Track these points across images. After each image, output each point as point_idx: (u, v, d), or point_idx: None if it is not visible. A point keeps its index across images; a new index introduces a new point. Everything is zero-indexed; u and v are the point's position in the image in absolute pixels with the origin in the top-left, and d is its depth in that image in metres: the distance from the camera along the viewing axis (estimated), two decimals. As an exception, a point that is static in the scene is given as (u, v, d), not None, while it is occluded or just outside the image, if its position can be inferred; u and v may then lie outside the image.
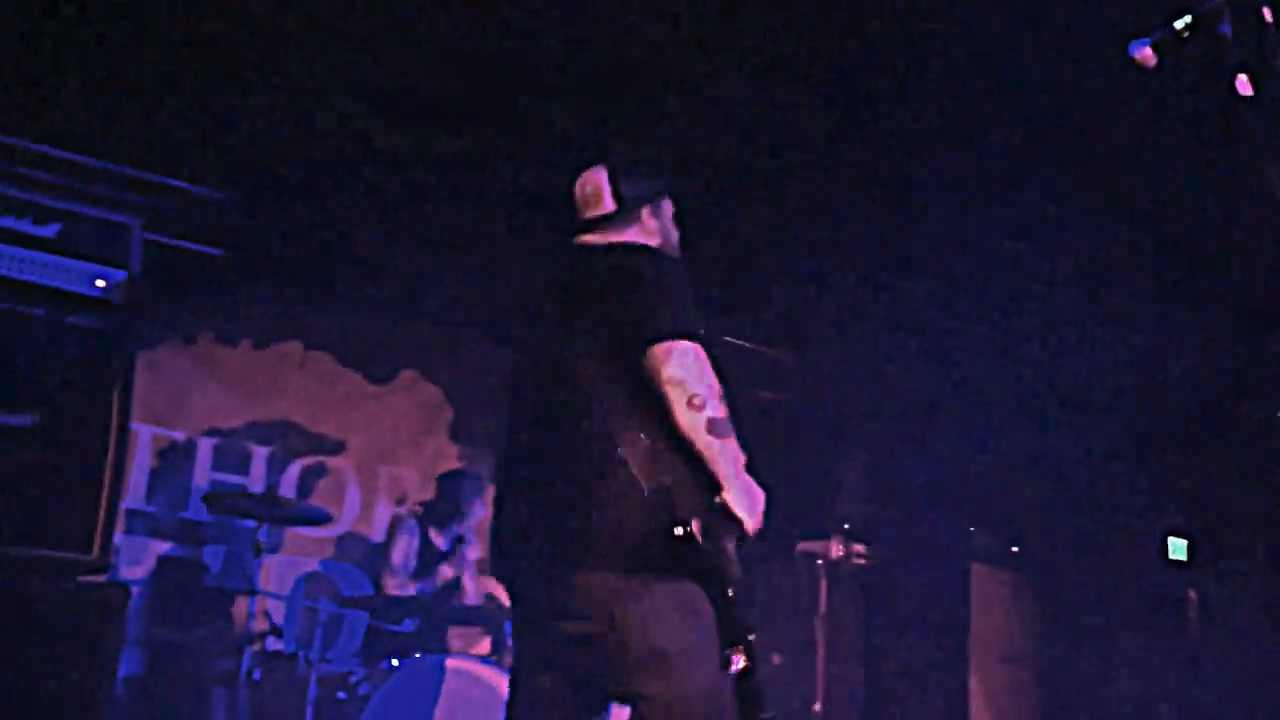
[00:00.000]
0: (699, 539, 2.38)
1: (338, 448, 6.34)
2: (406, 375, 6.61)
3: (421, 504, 6.05)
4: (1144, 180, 4.69)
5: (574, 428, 2.56)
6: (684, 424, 2.46)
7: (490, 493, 6.25)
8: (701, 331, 2.53)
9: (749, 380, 6.96)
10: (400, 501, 6.41)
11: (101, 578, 3.25)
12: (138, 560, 5.69)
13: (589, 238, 2.86)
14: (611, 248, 2.79)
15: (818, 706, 5.61)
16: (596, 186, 2.87)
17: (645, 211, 2.88)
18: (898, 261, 5.64)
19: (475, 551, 5.78)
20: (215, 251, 5.68)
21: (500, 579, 2.81)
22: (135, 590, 5.27)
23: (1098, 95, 4.11)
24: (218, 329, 6.03)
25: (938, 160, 4.77)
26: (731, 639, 2.38)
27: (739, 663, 2.36)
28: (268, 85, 4.63)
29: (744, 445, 2.53)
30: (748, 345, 6.86)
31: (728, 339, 6.78)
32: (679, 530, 2.35)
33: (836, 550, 5.80)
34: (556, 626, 2.54)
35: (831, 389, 6.81)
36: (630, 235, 2.84)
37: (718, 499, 2.47)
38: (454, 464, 6.52)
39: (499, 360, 6.77)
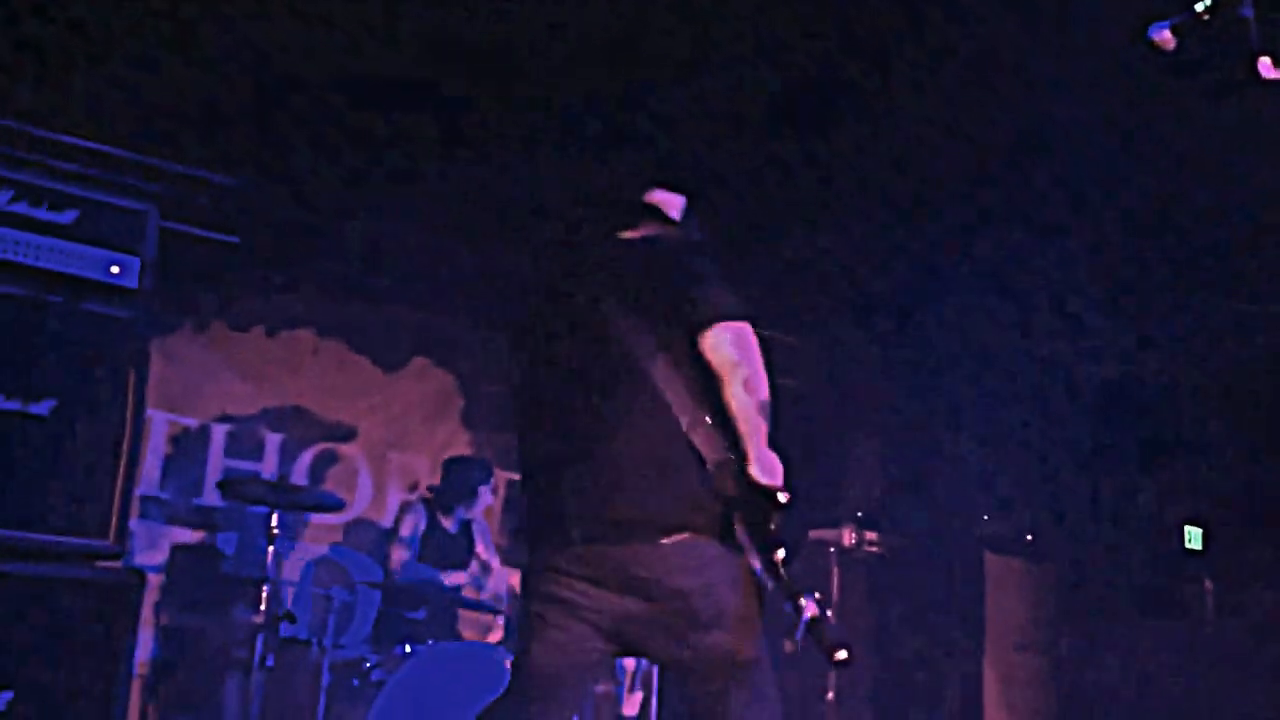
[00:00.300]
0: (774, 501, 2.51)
1: (349, 434, 6.36)
2: (418, 362, 6.62)
3: (431, 489, 6.06)
4: (1160, 170, 4.66)
5: (635, 403, 2.65)
6: (736, 402, 2.58)
7: (501, 479, 6.33)
8: (749, 315, 2.67)
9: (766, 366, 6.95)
10: (412, 488, 6.43)
11: (117, 564, 3.26)
12: (153, 546, 5.72)
13: (633, 234, 2.91)
14: (664, 236, 2.88)
15: (830, 695, 5.61)
16: (669, 202, 3.00)
17: (698, 238, 3.00)
18: (912, 249, 5.62)
19: (486, 537, 5.79)
20: (229, 239, 5.68)
21: (530, 536, 2.85)
22: (150, 576, 5.29)
23: (1115, 85, 4.08)
24: (230, 316, 6.05)
25: (955, 147, 4.75)
26: (796, 589, 2.44)
27: (811, 609, 2.41)
28: (283, 75, 4.63)
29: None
30: (761, 332, 6.84)
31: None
32: (781, 495, 2.49)
33: (848, 538, 5.79)
34: (601, 594, 2.64)
35: (845, 377, 6.80)
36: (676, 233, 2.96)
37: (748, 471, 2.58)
38: (465, 450, 6.54)
39: (509, 348, 6.83)
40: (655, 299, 2.69)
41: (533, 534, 2.82)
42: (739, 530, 2.53)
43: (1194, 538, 5.17)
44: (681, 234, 2.94)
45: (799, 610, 2.40)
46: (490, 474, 5.71)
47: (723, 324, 2.61)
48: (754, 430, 2.59)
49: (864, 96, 4.43)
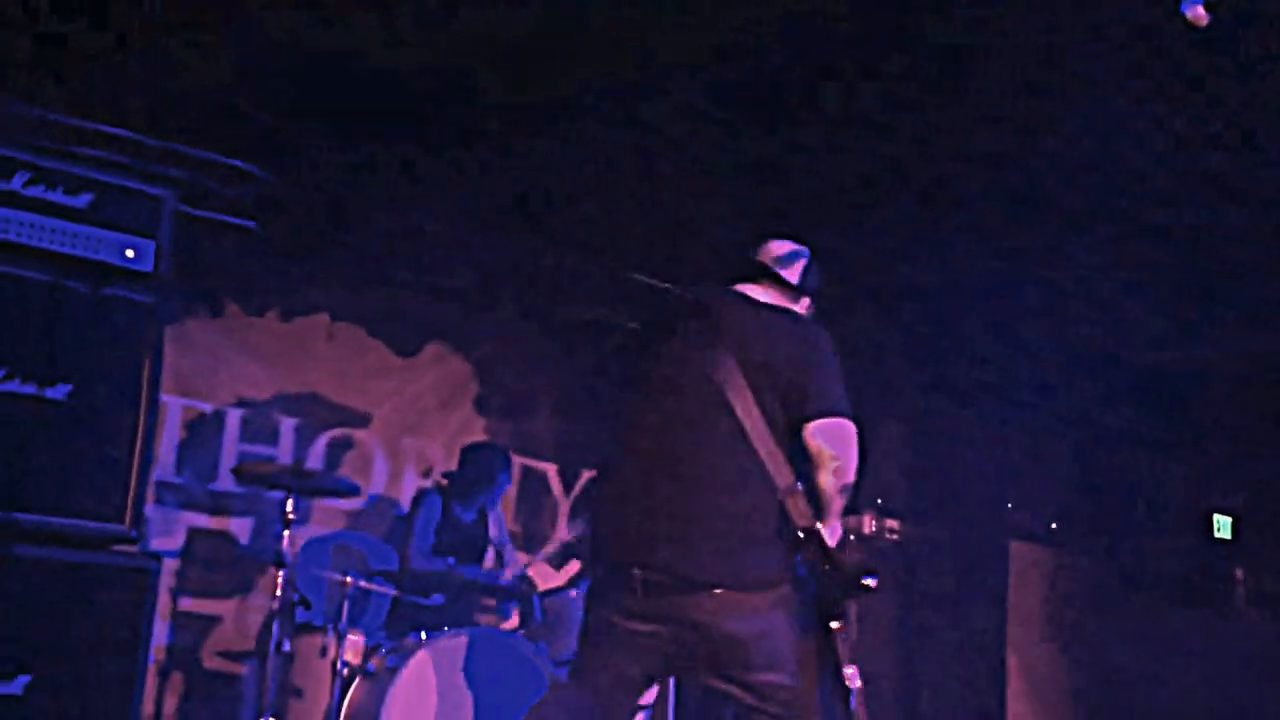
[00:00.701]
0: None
1: (364, 420, 6.35)
2: (433, 348, 6.61)
3: (446, 475, 6.05)
4: (1195, 151, 4.60)
5: (733, 464, 2.95)
6: (825, 482, 2.95)
7: (517, 465, 6.32)
8: (851, 410, 3.03)
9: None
10: (426, 474, 6.42)
11: (133, 548, 3.25)
12: (168, 532, 5.71)
13: (752, 290, 3.26)
14: (792, 313, 3.23)
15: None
16: (794, 256, 3.35)
17: (808, 301, 3.36)
18: (938, 236, 5.58)
19: (501, 525, 5.77)
20: (245, 223, 5.67)
21: (594, 566, 3.13)
22: (166, 562, 5.28)
23: (1148, 63, 4.01)
24: (245, 301, 6.04)
25: (982, 131, 4.70)
26: (845, 659, 2.80)
27: (856, 680, 2.77)
28: (300, 62, 4.61)
29: None
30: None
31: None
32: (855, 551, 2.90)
33: (869, 526, 5.75)
34: (656, 629, 2.93)
35: (867, 363, 6.76)
36: (797, 305, 3.31)
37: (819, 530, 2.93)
38: (480, 437, 6.52)
39: (525, 334, 6.84)
40: (774, 376, 2.99)
41: (603, 559, 3.08)
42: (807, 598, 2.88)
43: (1223, 526, 5.12)
44: (807, 315, 3.27)
45: (844, 680, 2.77)
46: (508, 462, 5.69)
47: (833, 419, 2.97)
48: (833, 505, 2.97)
49: (887, 81, 4.38)
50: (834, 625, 2.84)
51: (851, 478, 2.99)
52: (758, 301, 3.22)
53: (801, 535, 2.87)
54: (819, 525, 2.91)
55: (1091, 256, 5.35)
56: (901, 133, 4.77)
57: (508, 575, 5.63)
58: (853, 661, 2.82)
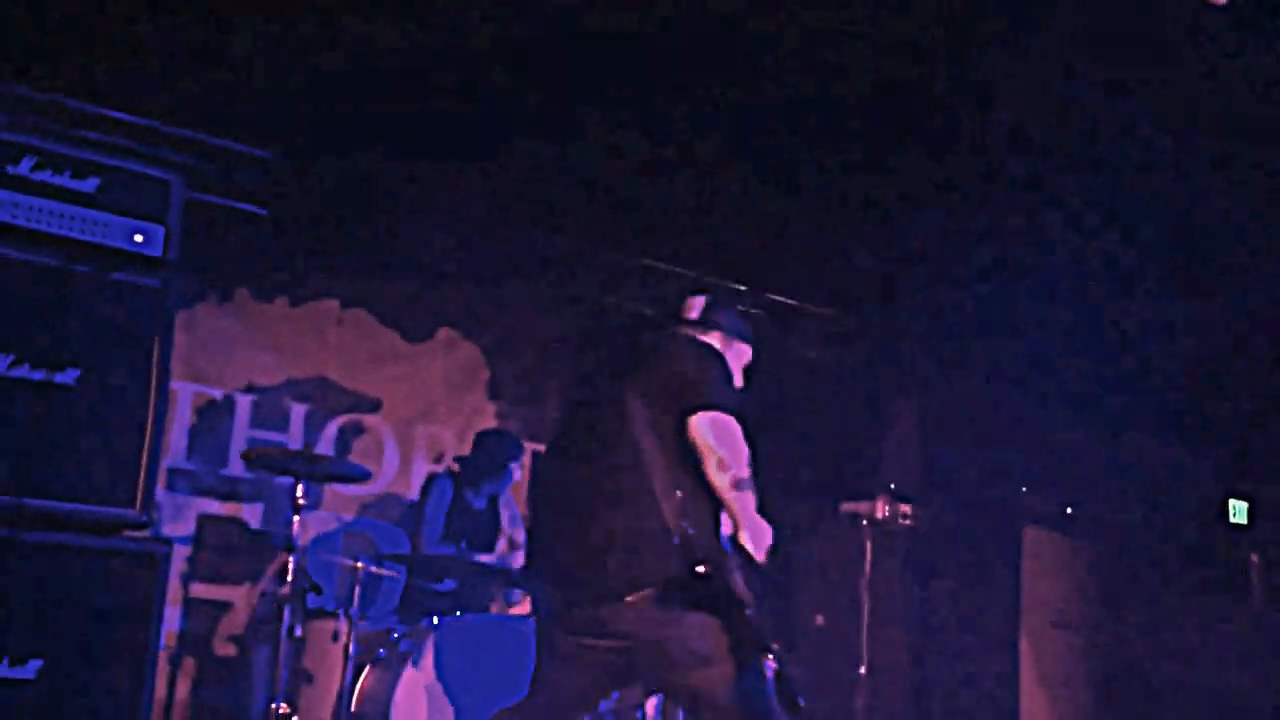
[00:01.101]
0: (714, 576, 2.92)
1: (375, 406, 6.35)
2: (444, 334, 6.60)
3: (458, 460, 6.04)
4: (1218, 130, 4.55)
5: (619, 476, 3.07)
6: (713, 481, 3.01)
7: (528, 452, 6.30)
8: (735, 408, 3.10)
9: (796, 339, 6.91)
10: (437, 460, 6.41)
11: (144, 534, 3.24)
12: (179, 518, 5.72)
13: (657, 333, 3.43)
14: (677, 333, 3.38)
15: (863, 670, 5.57)
16: (693, 306, 3.49)
17: (718, 335, 3.44)
18: (950, 221, 5.55)
19: (513, 511, 5.77)
20: (254, 209, 5.66)
21: (531, 593, 3.36)
22: (177, 548, 5.29)
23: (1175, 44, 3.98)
24: (255, 287, 6.03)
25: (994, 116, 4.67)
26: (760, 648, 2.90)
27: (771, 666, 2.85)
28: (309, 44, 4.58)
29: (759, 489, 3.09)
30: (795, 304, 6.79)
31: (776, 298, 6.72)
32: (700, 569, 2.89)
33: (882, 511, 5.72)
34: (594, 643, 3.05)
35: (881, 348, 6.73)
36: (699, 335, 3.41)
37: (738, 536, 3.03)
38: (491, 423, 6.51)
39: (536, 320, 6.82)
40: (662, 386, 3.12)
41: (533, 588, 3.31)
42: (709, 594, 2.93)
43: (1239, 511, 5.09)
44: (692, 331, 3.39)
45: (761, 670, 2.88)
46: (521, 450, 5.67)
47: (705, 413, 3.03)
48: (738, 504, 3.03)
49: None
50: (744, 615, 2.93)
51: (744, 472, 3.04)
52: (658, 329, 3.46)
53: (677, 535, 2.96)
54: (740, 538, 3.01)
55: (1105, 241, 5.31)
56: (915, 122, 4.75)
57: (519, 561, 5.63)
58: (768, 649, 2.89)
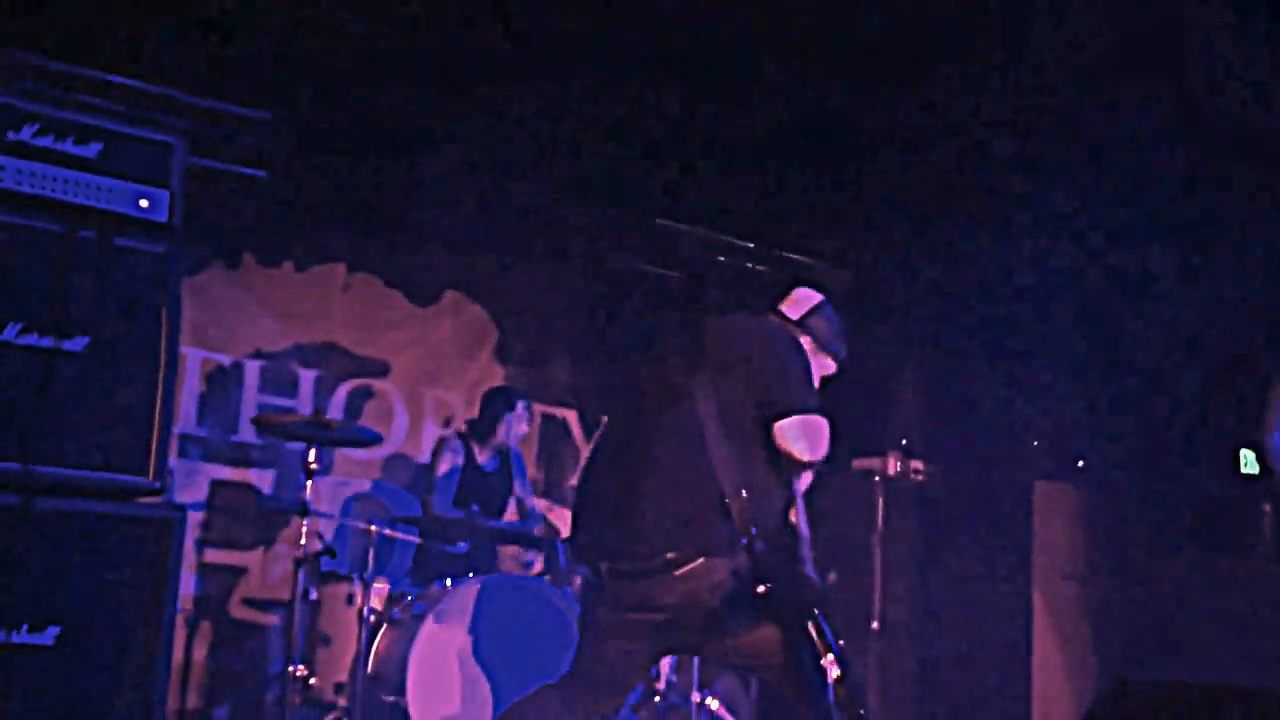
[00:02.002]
0: (773, 593, 2.90)
1: (383, 370, 6.35)
2: (450, 297, 6.59)
3: (466, 422, 6.05)
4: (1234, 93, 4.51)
5: (679, 460, 3.05)
6: (801, 480, 3.09)
7: (537, 412, 6.30)
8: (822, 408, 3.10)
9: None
10: (447, 423, 6.42)
11: (157, 500, 3.25)
12: (191, 484, 5.74)
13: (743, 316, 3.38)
14: (760, 319, 3.31)
15: (875, 625, 5.59)
16: (801, 301, 3.39)
17: (809, 341, 3.33)
18: (961, 177, 5.52)
19: (522, 473, 5.77)
20: (256, 173, 5.63)
21: (587, 564, 3.25)
22: (190, 514, 5.31)
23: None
24: (259, 252, 6.02)
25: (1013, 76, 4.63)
26: (824, 648, 2.86)
27: (834, 670, 2.81)
28: (308, 5, 4.54)
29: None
30: (803, 259, 6.76)
31: (786, 254, 6.69)
32: (760, 589, 2.87)
33: (893, 466, 5.73)
34: (641, 617, 3.05)
35: (891, 302, 6.71)
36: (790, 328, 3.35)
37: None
38: (498, 384, 6.51)
39: (544, 281, 6.80)
40: (744, 380, 3.08)
41: (579, 560, 3.26)
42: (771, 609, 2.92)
43: (1250, 461, 5.06)
44: (779, 323, 3.31)
45: (824, 673, 2.85)
46: (518, 400, 5.61)
47: (798, 417, 3.03)
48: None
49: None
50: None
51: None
52: (733, 313, 3.37)
53: (744, 543, 2.93)
54: (757, 531, 2.98)
55: (1118, 192, 5.27)
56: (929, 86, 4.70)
57: (530, 521, 5.64)
58: (831, 650, 2.88)
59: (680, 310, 3.39)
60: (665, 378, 3.19)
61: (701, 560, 2.97)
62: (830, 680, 2.84)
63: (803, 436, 3.03)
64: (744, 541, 2.90)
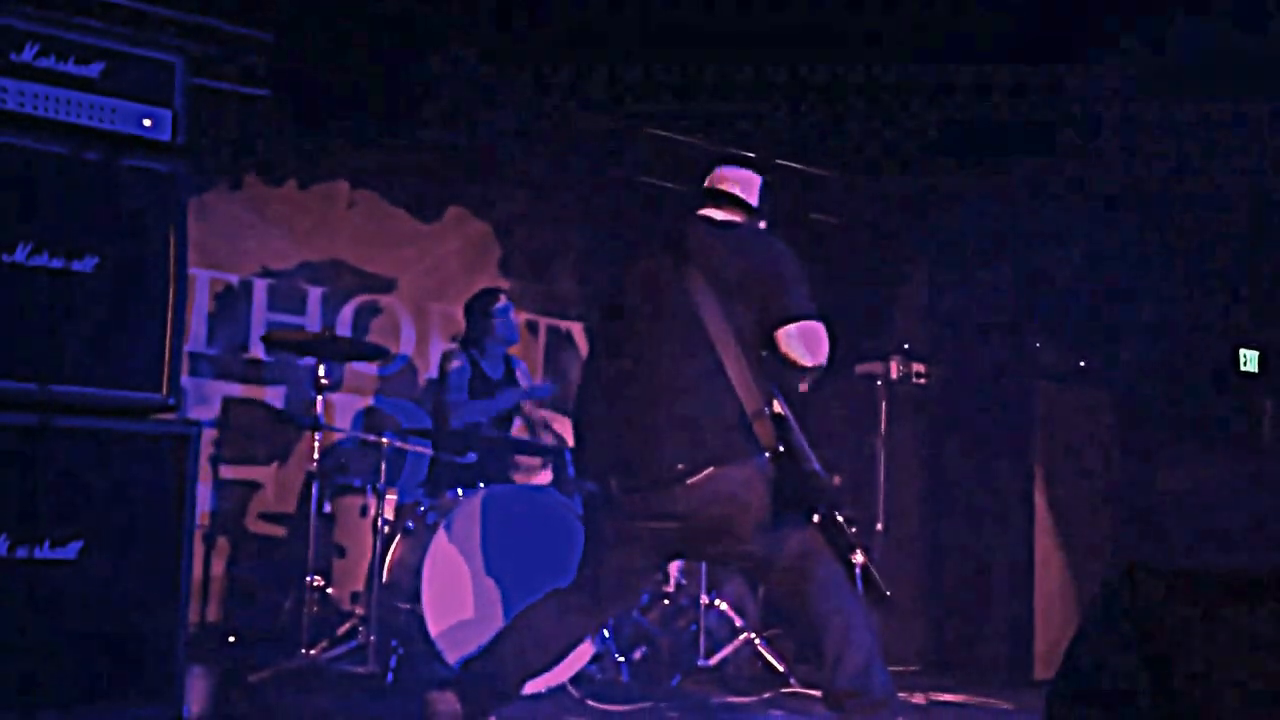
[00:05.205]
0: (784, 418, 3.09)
1: (389, 286, 6.38)
2: (454, 212, 6.59)
3: (463, 335, 6.06)
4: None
5: (685, 363, 3.14)
6: (804, 385, 3.18)
7: (542, 325, 6.34)
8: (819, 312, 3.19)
9: (806, 204, 6.87)
10: (453, 338, 6.45)
11: (172, 416, 3.30)
12: (203, 402, 5.81)
13: (715, 213, 3.40)
14: (755, 229, 3.40)
15: (879, 526, 5.67)
16: (749, 184, 3.45)
17: (763, 223, 3.47)
18: (961, 87, 5.47)
19: (527, 380, 5.80)
20: (257, 92, 5.60)
21: (594, 479, 3.31)
22: (204, 431, 5.38)
23: None
24: (263, 171, 6.01)
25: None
26: (848, 544, 3.07)
27: (860, 559, 3.05)
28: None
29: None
30: (803, 168, 6.73)
31: (787, 163, 6.66)
32: (776, 408, 3.06)
33: (896, 370, 5.75)
34: (650, 525, 3.14)
35: (893, 208, 6.69)
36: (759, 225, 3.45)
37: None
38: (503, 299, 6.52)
39: (546, 194, 6.78)
40: (745, 290, 3.14)
41: (586, 475, 3.33)
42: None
43: (1250, 360, 5.09)
44: (766, 229, 3.41)
45: (850, 559, 3.09)
46: (498, 295, 5.56)
47: (799, 324, 3.11)
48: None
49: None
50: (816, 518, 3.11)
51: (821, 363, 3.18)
52: (721, 221, 3.38)
53: (753, 419, 3.04)
54: (768, 411, 3.08)
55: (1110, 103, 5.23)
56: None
57: (537, 432, 5.70)
58: (854, 545, 3.09)
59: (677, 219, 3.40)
60: (657, 281, 3.25)
61: (711, 469, 3.04)
62: (859, 566, 3.06)
63: (803, 342, 3.10)
64: (751, 418, 3.03)
